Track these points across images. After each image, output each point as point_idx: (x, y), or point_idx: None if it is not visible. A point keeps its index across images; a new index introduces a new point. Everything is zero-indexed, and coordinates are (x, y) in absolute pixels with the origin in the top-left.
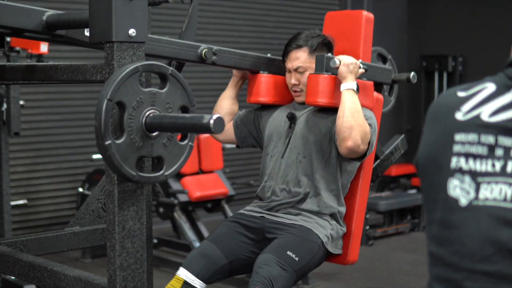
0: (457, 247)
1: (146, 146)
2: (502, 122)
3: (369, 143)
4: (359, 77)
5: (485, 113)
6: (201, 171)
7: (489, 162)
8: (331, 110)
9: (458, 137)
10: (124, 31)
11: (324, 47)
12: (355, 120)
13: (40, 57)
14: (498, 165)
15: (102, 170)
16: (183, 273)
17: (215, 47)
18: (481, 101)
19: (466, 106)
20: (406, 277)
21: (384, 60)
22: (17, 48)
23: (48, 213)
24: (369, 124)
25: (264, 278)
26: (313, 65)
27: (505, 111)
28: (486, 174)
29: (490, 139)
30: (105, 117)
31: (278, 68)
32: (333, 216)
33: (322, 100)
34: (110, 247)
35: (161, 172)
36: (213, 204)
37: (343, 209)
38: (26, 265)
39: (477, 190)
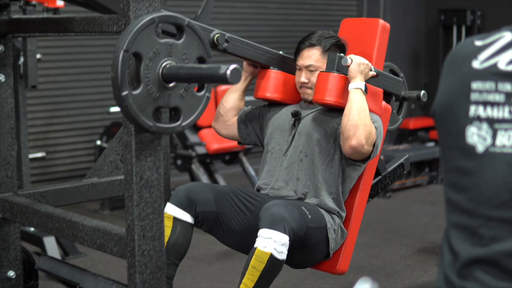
0: (474, 193)
1: (163, 97)
2: None
3: (374, 144)
4: (369, 82)
5: (502, 62)
6: None
7: (506, 109)
8: (339, 111)
9: (475, 85)
10: None
11: (337, 49)
12: (361, 119)
13: (56, 11)
14: None
15: (120, 123)
16: (170, 210)
17: (228, 34)
18: (498, 50)
19: (483, 55)
20: (424, 229)
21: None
22: (33, 2)
23: (66, 166)
24: (375, 127)
25: (273, 217)
26: (325, 65)
27: None
28: (503, 121)
29: (507, 86)
30: (122, 68)
31: (289, 67)
32: (333, 215)
33: (330, 98)
34: (128, 197)
35: (178, 122)
36: (230, 157)
37: (343, 213)
38: (45, 216)
39: (494, 137)
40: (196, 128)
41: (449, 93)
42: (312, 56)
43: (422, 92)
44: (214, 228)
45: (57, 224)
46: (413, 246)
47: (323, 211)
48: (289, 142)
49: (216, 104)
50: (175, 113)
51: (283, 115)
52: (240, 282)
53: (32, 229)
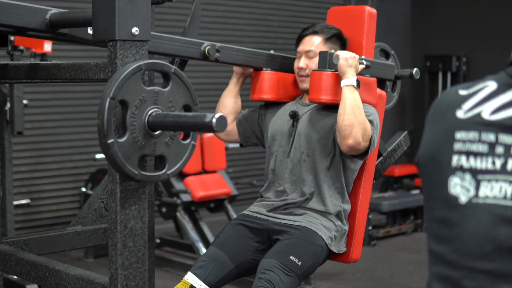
0: (456, 245)
1: (148, 145)
2: (502, 120)
3: (370, 140)
4: (362, 73)
5: (486, 111)
6: (204, 171)
7: (490, 159)
8: (334, 107)
9: (459, 135)
10: (127, 30)
11: (338, 41)
12: (356, 118)
13: (43, 56)
14: (499, 163)
15: (105, 170)
16: (190, 278)
17: (218, 44)
18: (482, 99)
19: (467, 104)
20: (409, 278)
21: (387, 55)
22: (21, 47)
23: (50, 213)
24: (371, 121)
25: (267, 282)
26: None
27: (506, 109)
28: (486, 171)
29: (490, 137)
30: (108, 116)
31: (281, 64)
32: (338, 215)
33: (326, 97)
34: (112, 246)
35: (164, 171)
36: (216, 204)
37: (348, 207)
38: (28, 264)
39: (477, 188)
40: (181, 175)
41: (433, 143)
42: (314, 43)
43: (415, 69)
44: (238, 277)
45: (40, 272)
46: None
47: (321, 226)
48: (290, 144)
49: (202, 151)
50: (160, 161)
51: (281, 116)
52: None
53: (15, 277)
